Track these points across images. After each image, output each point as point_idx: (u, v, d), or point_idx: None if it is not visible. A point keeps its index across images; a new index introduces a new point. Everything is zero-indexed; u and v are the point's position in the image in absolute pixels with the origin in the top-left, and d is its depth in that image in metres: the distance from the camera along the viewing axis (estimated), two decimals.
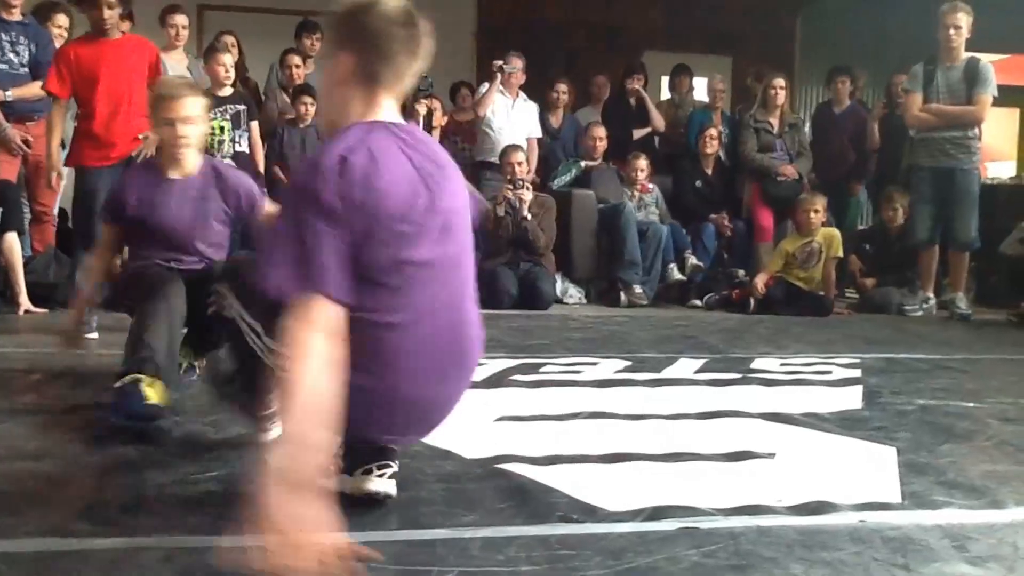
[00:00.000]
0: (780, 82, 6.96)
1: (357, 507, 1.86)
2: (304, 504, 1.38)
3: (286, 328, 1.55)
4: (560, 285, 6.39)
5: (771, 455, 2.35)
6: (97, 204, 4.17)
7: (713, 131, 7.03)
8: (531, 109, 7.01)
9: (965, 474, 2.22)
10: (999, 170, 9.37)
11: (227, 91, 5.87)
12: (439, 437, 2.38)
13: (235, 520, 1.44)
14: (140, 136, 4.27)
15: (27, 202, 5.38)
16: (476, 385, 3.17)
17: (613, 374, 3.52)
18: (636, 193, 6.73)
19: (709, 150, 7.01)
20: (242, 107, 5.92)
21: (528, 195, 6.16)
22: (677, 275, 6.56)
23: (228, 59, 5.95)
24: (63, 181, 4.84)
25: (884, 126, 7.43)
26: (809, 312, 5.86)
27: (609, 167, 6.97)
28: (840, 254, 6.24)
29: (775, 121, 6.91)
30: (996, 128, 8.33)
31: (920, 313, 6.20)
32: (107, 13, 4.31)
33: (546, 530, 1.77)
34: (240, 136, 5.87)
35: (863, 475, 2.19)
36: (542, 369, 3.54)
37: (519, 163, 6.30)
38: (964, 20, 6.05)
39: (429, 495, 1.97)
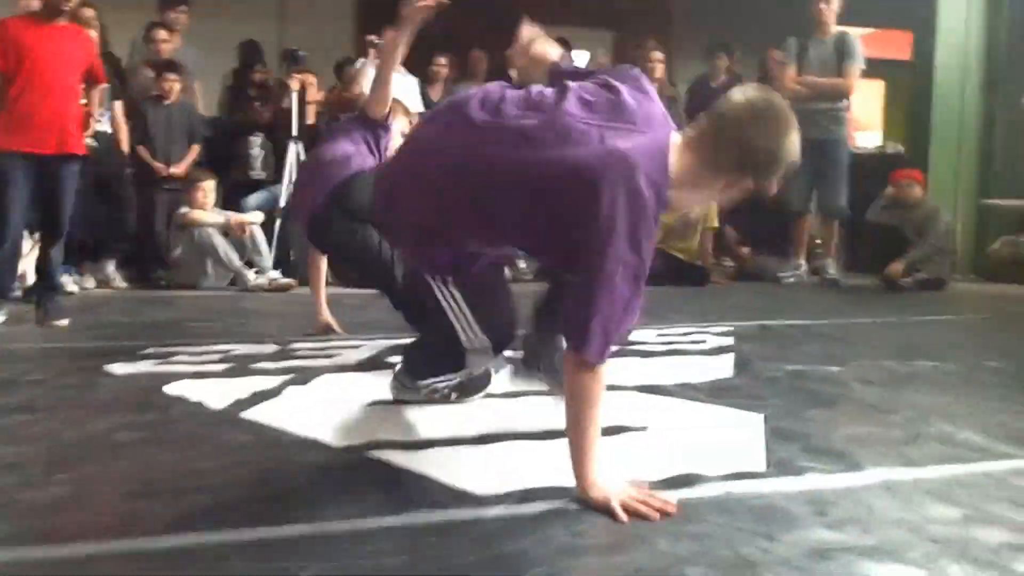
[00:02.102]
0: (657, 55, 7.04)
1: (217, 504, 1.79)
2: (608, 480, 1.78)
3: (583, 383, 1.78)
4: None
5: (643, 428, 2.37)
6: (9, 191, 4.04)
7: None
8: (411, 83, 6.89)
9: (828, 439, 2.29)
10: (865, 140, 9.73)
11: None
12: (308, 425, 2.32)
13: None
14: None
15: None
16: (350, 368, 3.14)
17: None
18: None
19: None
20: (104, 85, 5.63)
21: None
22: None
23: (92, 34, 5.64)
24: None
25: None
26: (687, 282, 5.97)
27: None
28: (716, 224, 6.39)
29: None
30: (862, 99, 8.63)
31: (793, 280, 6.40)
32: None
33: (415, 519, 1.72)
34: (102, 116, 5.59)
35: (731, 445, 2.22)
36: None
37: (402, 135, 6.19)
38: None
39: (294, 488, 1.91)
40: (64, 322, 4.11)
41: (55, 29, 4.16)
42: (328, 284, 4.00)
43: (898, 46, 8.68)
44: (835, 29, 6.35)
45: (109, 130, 5.67)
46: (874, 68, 7.37)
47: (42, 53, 4.10)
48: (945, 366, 3.39)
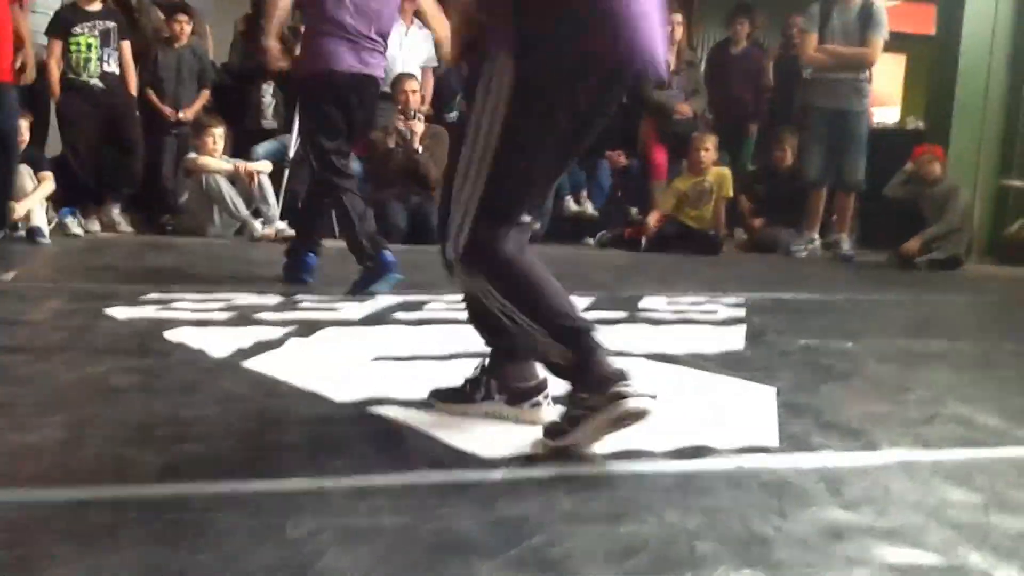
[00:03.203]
0: (676, 17, 6.89)
1: (211, 455, 1.73)
2: None
3: None
4: None
5: (652, 396, 2.30)
6: None
7: None
8: (426, 37, 6.76)
9: (842, 415, 2.23)
10: (884, 115, 9.59)
11: (96, 5, 5.49)
12: (308, 378, 2.27)
13: None
14: None
15: None
16: (355, 323, 3.08)
17: None
18: None
19: None
20: (112, 24, 5.54)
21: (420, 126, 5.97)
22: (573, 207, 6.55)
23: None
24: None
25: (778, 67, 7.47)
26: (699, 251, 5.89)
27: None
28: (730, 194, 6.28)
29: (671, 58, 6.84)
30: (883, 73, 8.47)
31: (805, 253, 6.31)
32: None
33: (414, 478, 1.67)
34: (109, 55, 5.49)
35: (743, 417, 2.16)
36: (427, 307, 3.43)
37: (412, 92, 6.09)
38: None
39: (292, 440, 1.85)
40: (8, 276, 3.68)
41: None
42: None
43: (921, 19, 8.51)
44: None
45: (117, 71, 5.57)
46: (896, 42, 7.23)
47: None
48: (960, 346, 3.33)
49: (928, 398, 2.46)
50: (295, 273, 3.81)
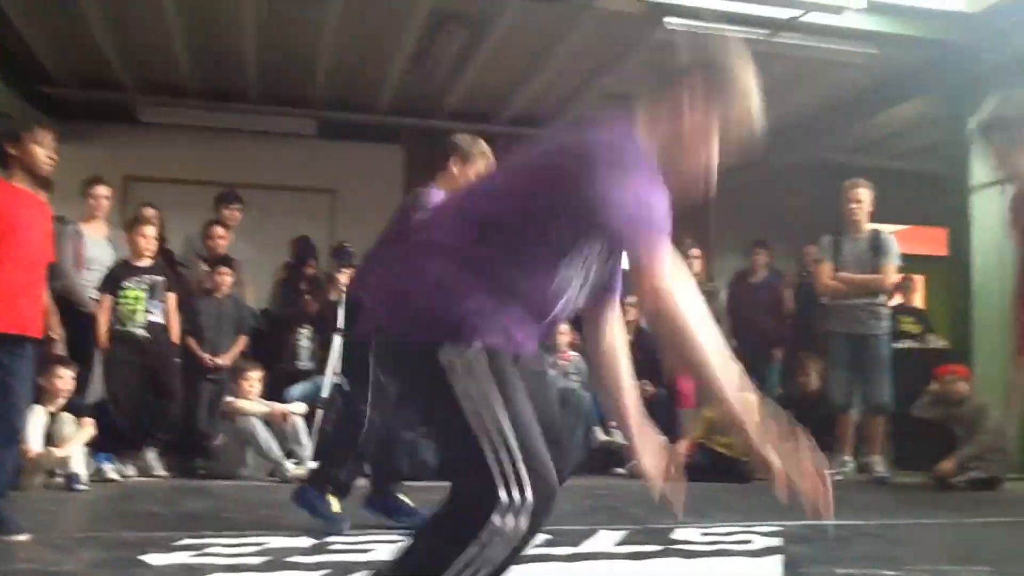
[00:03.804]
0: (695, 251, 7.20)
1: None
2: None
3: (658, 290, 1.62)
4: None
5: None
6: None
7: (633, 299, 7.15)
8: None
9: None
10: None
11: (145, 262, 5.86)
12: None
13: None
14: None
15: None
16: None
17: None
18: (557, 360, 6.77)
19: (629, 318, 7.11)
20: (160, 278, 5.89)
21: None
22: (602, 437, 6.56)
23: (151, 231, 5.96)
24: None
25: (797, 294, 7.70)
26: (731, 478, 5.83)
27: None
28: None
29: None
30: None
31: (839, 477, 6.22)
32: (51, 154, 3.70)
33: None
34: (155, 307, 5.80)
35: None
36: None
37: None
38: (865, 195, 6.43)
39: None
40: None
41: (36, 200, 3.75)
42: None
43: (934, 241, 8.79)
44: (868, 227, 6.48)
45: (161, 320, 5.85)
46: (912, 263, 7.43)
47: (29, 226, 3.66)
48: (1008, 572, 3.23)
49: None
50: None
